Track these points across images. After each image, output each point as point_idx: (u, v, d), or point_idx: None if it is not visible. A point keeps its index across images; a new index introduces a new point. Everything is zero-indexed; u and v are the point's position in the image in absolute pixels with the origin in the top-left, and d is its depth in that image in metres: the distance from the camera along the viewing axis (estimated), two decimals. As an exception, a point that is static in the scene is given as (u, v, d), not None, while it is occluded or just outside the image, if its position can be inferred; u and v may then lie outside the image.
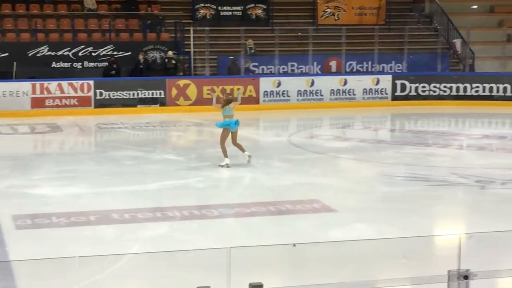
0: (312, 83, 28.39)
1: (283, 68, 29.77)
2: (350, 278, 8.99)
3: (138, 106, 26.79)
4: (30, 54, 27.61)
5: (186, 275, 9.39)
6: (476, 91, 29.05)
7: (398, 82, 29.06)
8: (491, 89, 28.99)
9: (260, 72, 29.46)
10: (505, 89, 28.87)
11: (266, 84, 28.01)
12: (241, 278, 5.21)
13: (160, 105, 26.95)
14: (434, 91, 29.16)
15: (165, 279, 9.50)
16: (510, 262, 10.10)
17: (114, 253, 10.77)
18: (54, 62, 27.72)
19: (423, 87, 29.11)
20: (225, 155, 17.05)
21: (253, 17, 31.66)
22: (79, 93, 26.28)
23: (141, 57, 27.89)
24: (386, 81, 29.03)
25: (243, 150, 17.26)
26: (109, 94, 26.52)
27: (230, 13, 31.52)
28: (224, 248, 4.85)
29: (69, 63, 27.86)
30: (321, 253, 10.66)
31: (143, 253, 10.80)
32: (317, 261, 10.46)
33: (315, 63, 29.98)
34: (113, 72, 27.58)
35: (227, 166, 16.98)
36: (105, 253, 10.73)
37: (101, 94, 26.43)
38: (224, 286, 5.02)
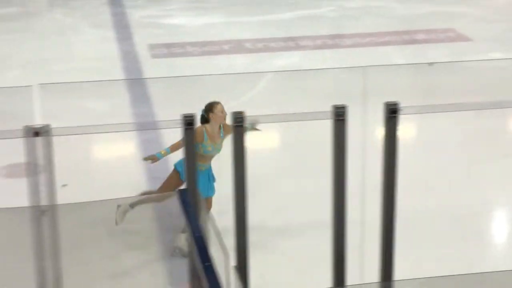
0: None
1: None
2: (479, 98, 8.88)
3: None
4: None
5: (319, 99, 9.42)
6: None
7: None
8: None
9: None
10: None
11: None
12: (376, 99, 5.16)
13: None
14: None
15: (294, 102, 9.57)
16: None
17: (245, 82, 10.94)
18: None
19: None
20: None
21: None
22: None
23: None
24: None
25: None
26: None
27: None
28: (359, 67, 4.82)
29: None
30: (455, 77, 10.50)
31: (269, 72, 10.82)
32: (451, 83, 10.30)
33: None
34: None
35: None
36: (238, 82, 10.92)
37: None
38: (360, 107, 5.00)
